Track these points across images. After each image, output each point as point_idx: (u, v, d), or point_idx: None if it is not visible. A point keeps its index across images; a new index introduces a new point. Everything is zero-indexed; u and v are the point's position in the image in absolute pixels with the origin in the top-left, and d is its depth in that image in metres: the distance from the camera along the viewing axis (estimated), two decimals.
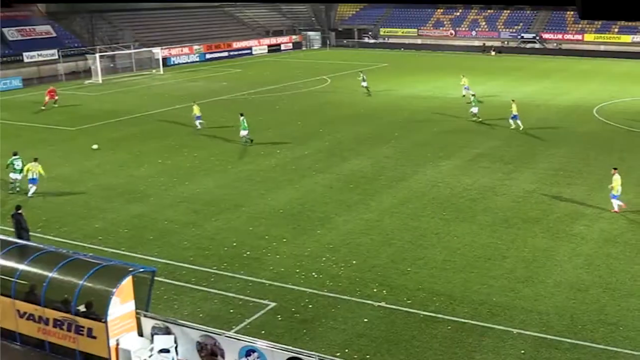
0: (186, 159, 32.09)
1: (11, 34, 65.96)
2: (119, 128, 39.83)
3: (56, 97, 47.34)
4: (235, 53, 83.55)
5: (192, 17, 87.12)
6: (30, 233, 21.00)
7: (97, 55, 62.54)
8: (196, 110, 38.79)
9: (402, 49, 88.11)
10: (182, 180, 28.46)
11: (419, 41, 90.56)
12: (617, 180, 23.47)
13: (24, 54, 64.26)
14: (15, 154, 28.02)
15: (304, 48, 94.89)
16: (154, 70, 68.10)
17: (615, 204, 23.56)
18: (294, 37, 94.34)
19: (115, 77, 64.11)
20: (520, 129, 36.60)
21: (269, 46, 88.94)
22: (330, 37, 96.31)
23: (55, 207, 25.31)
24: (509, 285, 18.20)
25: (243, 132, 34.97)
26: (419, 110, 43.76)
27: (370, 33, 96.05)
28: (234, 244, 21.36)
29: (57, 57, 65.48)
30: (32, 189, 26.74)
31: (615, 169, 24.06)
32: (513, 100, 38.29)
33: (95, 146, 34.11)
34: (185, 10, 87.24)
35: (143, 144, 35.31)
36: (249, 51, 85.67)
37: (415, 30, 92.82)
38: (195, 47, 78.98)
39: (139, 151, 33.81)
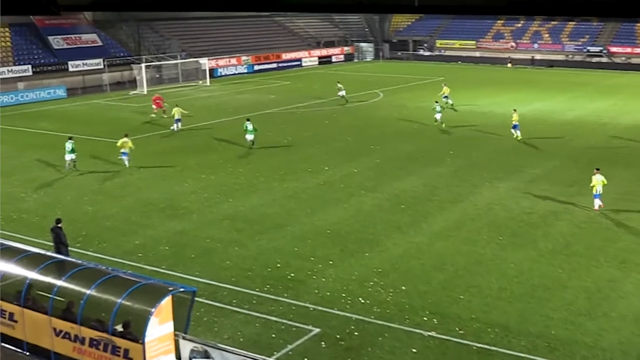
0: (231, 174, 32.41)
1: (57, 42, 67.87)
2: (162, 141, 40.51)
3: (163, 106, 47.73)
4: (285, 64, 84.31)
5: (241, 27, 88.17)
6: (69, 248, 21.44)
7: (143, 65, 63.94)
8: (176, 113, 42.71)
9: (460, 62, 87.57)
10: (226, 196, 28.73)
11: (477, 54, 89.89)
12: (597, 180, 26.24)
13: (69, 62, 66.02)
14: (70, 138, 34.56)
15: (355, 60, 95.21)
16: (200, 82, 69.22)
17: (597, 203, 26.21)
18: (345, 48, 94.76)
19: (160, 88, 65.27)
20: (519, 138, 38.25)
21: (319, 58, 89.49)
22: (383, 48, 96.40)
23: (95, 222, 25.82)
24: (569, 318, 17.76)
25: (249, 137, 37.84)
26: (476, 127, 43.31)
27: (425, 45, 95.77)
28: (278, 265, 21.41)
29: (102, 66, 67.09)
30: (126, 161, 34.09)
31: (597, 169, 26.79)
32: (514, 110, 39.66)
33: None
34: (235, 19, 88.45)
35: (187, 158, 35.81)
36: (298, 63, 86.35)
37: (474, 42, 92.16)
38: (244, 58, 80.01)
39: (183, 165, 34.29)
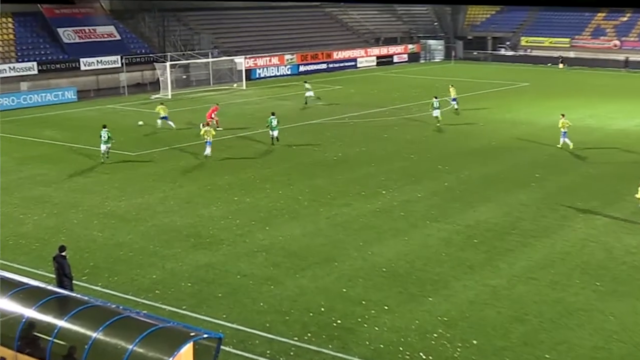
0: (268, 197, 32.59)
1: (67, 35, 69.41)
2: (187, 155, 41.03)
3: (214, 119, 46.92)
4: (336, 65, 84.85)
5: (285, 20, 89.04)
6: (74, 281, 21.76)
7: (168, 64, 65.02)
8: (162, 111, 47.27)
9: (550, 64, 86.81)
10: (262, 224, 28.87)
11: (571, 54, 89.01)
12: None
13: (81, 59, 67.57)
14: (104, 127, 39.65)
15: (422, 60, 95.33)
16: (234, 85, 70.07)
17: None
18: (410, 46, 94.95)
19: (187, 92, 66.34)
20: (570, 148, 40.47)
21: (378, 57, 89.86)
22: (456, 47, 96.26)
23: (105, 251, 26.19)
24: None
25: (274, 133, 42.53)
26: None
27: (508, 43, 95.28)
28: (322, 309, 21.36)
29: (119, 64, 68.42)
30: (208, 149, 39.48)
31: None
32: (562, 115, 41.65)
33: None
34: (277, 11, 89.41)
35: (216, 176, 36.17)
36: (352, 63, 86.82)
37: (567, 40, 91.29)
38: (287, 56, 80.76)
39: (211, 185, 34.64)
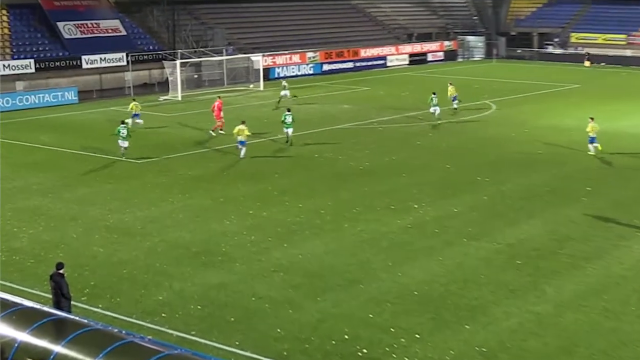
0: (287, 211, 32.58)
1: (68, 29, 69.92)
2: (199, 163, 41.18)
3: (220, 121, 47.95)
4: (364, 64, 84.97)
5: (307, 14, 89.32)
6: (72, 302, 21.79)
7: (178, 62, 65.35)
8: (134, 108, 50.32)
9: (603, 64, 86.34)
10: (280, 240, 28.84)
11: (627, 52, 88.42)
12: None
13: (83, 57, 68.03)
14: (122, 122, 42.26)
15: (459, 59, 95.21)
16: (251, 85, 70.31)
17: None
18: (446, 43, 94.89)
19: (199, 93, 66.62)
20: (599, 149, 41.69)
21: (410, 55, 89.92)
22: (498, 44, 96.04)
23: (107, 269, 26.23)
24: None
25: (288, 131, 44.43)
26: (624, 154, 42.46)
27: (556, 40, 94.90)
28: (346, 336, 21.28)
29: (125, 62, 68.80)
30: (243, 150, 41.38)
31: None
32: (591, 119, 42.71)
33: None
34: (298, 3, 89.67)
35: (230, 187, 36.26)
36: (382, 62, 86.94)
37: (623, 36, 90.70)
38: (309, 54, 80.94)
39: (224, 197, 34.70)
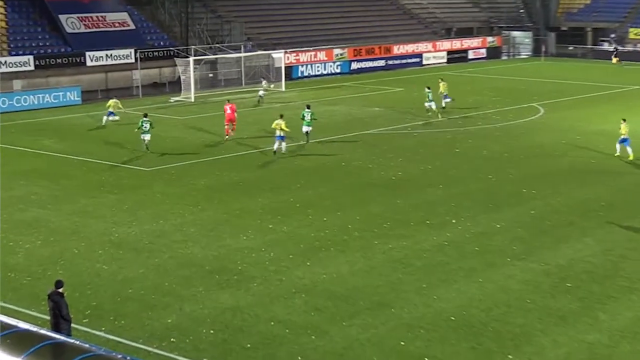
0: (310, 225, 32.60)
1: (71, 23, 70.33)
2: (213, 172, 41.30)
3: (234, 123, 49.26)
4: (397, 62, 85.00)
5: (334, 6, 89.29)
6: (72, 324, 21.87)
7: (191, 59, 65.60)
8: (112, 105, 53.55)
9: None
10: (302, 258, 28.83)
11: None
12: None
13: (87, 53, 68.37)
14: (145, 115, 45.63)
15: (504, 57, 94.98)
16: (271, 85, 70.31)
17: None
18: (489, 39, 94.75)
19: (214, 93, 66.83)
20: (630, 158, 42.22)
21: (449, 53, 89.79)
22: (547, 40, 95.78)
23: (111, 288, 26.32)
24: None
25: (306, 128, 46.47)
26: None
27: (612, 36, 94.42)
28: None
29: (133, 59, 69.10)
30: (283, 145, 44.04)
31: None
32: (624, 120, 43.69)
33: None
34: None
35: (247, 198, 36.35)
36: (417, 60, 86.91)
37: None
38: (337, 51, 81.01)
39: (240, 209, 34.78)
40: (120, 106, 55.19)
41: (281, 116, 44.63)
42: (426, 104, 55.46)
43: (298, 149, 46.06)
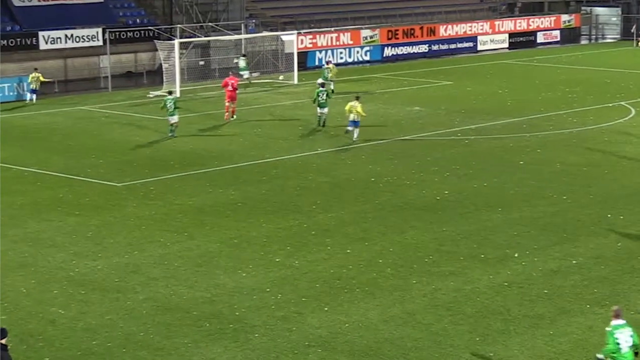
0: (329, 258, 32.58)
1: None
2: (204, 188, 41.40)
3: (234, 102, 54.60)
4: (444, 47, 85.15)
5: None
6: None
7: (176, 42, 65.67)
8: (33, 81, 58.04)
9: None
10: (317, 301, 28.80)
11: None
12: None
13: (41, 33, 68.48)
14: (170, 92, 51.81)
15: (584, 41, 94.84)
16: (280, 77, 70.43)
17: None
18: (564, 17, 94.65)
19: (205, 86, 66.89)
20: None
21: (511, 35, 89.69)
22: None
23: (71, 339, 26.32)
24: None
25: (321, 111, 51.54)
26: None
27: None
28: None
29: (100, 42, 69.23)
30: (356, 132, 48.96)
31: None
32: None
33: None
34: None
35: (247, 223, 36.36)
36: (470, 44, 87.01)
37: None
38: (365, 33, 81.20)
39: (238, 237, 34.81)
40: (42, 79, 58.82)
41: (357, 98, 49.51)
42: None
43: (314, 158, 46.14)
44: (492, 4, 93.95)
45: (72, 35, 69.40)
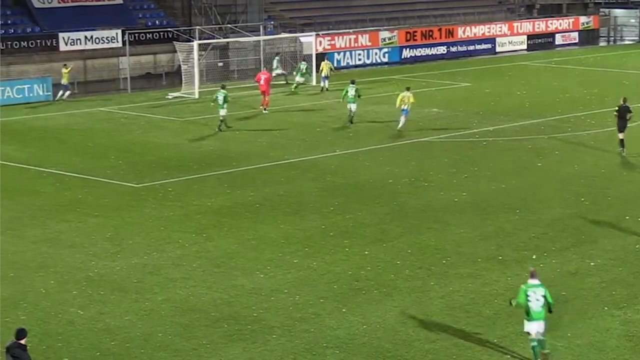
0: (347, 260, 32.53)
1: None
2: (222, 190, 41.46)
3: (266, 96, 57.77)
4: (462, 49, 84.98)
5: None
6: None
7: (196, 43, 65.71)
8: (66, 76, 58.86)
9: None
10: (336, 303, 28.72)
11: None
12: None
13: (61, 35, 68.50)
14: (222, 87, 53.38)
15: (602, 43, 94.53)
16: (299, 78, 70.31)
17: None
18: (583, 19, 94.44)
19: (216, 88, 66.85)
20: None
21: (530, 37, 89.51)
22: None
23: (89, 339, 26.30)
24: None
25: (350, 106, 53.64)
26: None
27: None
28: None
29: (120, 43, 69.22)
30: (402, 120, 52.08)
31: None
32: None
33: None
34: None
35: (265, 225, 36.37)
36: (489, 46, 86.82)
37: None
38: (383, 34, 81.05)
39: (256, 238, 34.82)
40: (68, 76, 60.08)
41: (408, 89, 53.17)
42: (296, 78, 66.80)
43: (332, 160, 46.09)
44: (510, 5, 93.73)
45: (91, 37, 69.35)
